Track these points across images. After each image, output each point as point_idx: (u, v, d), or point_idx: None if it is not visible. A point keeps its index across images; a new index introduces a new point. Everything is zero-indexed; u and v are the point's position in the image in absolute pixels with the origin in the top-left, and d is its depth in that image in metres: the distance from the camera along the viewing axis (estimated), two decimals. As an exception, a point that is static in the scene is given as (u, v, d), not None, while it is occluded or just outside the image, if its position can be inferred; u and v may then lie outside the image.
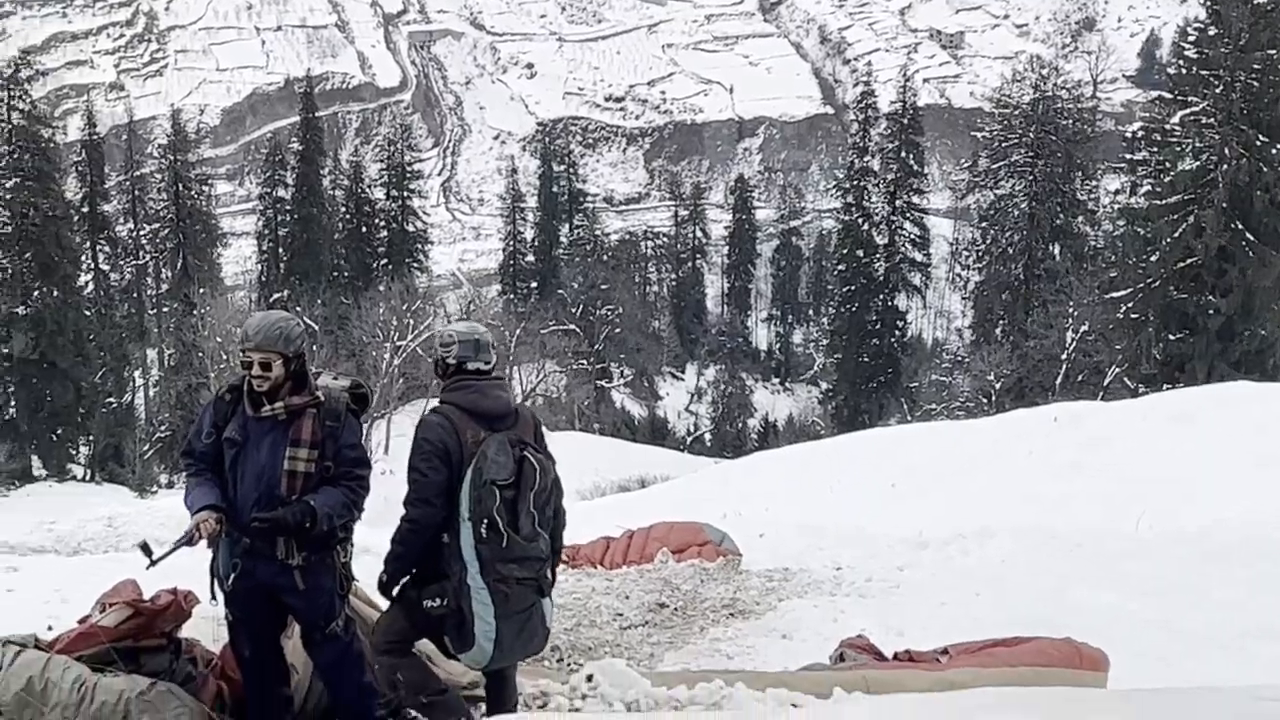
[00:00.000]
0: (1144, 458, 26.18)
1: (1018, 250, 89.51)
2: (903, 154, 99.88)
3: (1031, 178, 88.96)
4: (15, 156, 79.01)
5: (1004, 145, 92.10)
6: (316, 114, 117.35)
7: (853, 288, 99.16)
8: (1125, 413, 31.20)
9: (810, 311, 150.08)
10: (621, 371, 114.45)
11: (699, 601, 17.26)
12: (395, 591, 9.38)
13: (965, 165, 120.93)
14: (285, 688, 9.23)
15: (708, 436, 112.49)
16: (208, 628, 9.55)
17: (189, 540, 8.69)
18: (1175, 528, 20.19)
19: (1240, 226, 58.64)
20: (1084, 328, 69.27)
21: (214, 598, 9.01)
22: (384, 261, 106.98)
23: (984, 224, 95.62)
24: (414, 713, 9.54)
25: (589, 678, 10.34)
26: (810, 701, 9.77)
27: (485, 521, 8.98)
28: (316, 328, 76.10)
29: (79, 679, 8.53)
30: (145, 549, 8.79)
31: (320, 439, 8.79)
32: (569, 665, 13.18)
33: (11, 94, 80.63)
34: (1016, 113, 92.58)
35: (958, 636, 12.45)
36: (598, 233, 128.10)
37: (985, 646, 11.81)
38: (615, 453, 74.17)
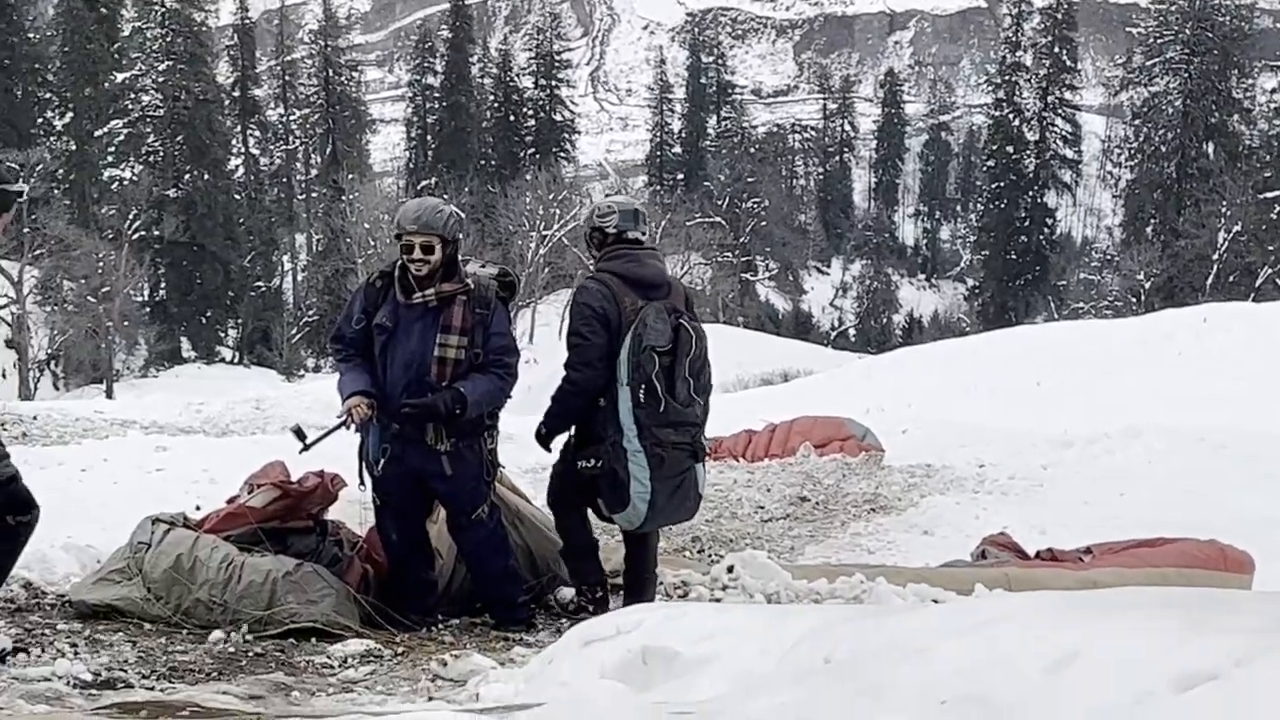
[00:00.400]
0: (1296, 360, 25.86)
1: (1171, 148, 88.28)
2: (1056, 49, 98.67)
3: (1186, 75, 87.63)
4: (168, 40, 79.77)
5: (1159, 41, 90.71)
6: (467, 1, 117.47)
7: (1002, 184, 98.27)
8: (1276, 315, 30.79)
9: (958, 208, 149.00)
10: (767, 265, 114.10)
11: (840, 496, 17.24)
12: (555, 449, 9.48)
13: (1119, 61, 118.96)
14: (430, 571, 9.30)
15: (852, 332, 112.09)
16: (354, 511, 9.61)
17: (342, 425, 8.80)
18: (1326, 432, 19.95)
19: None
20: (1236, 228, 68.42)
21: (362, 482, 9.10)
22: (531, 150, 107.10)
23: (1137, 121, 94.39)
24: (562, 595, 9.66)
25: (730, 569, 10.35)
26: (951, 598, 9.74)
27: (644, 386, 9.08)
28: (464, 216, 76.50)
29: (227, 558, 8.63)
30: (299, 433, 8.90)
31: (470, 326, 8.81)
32: (710, 556, 13.18)
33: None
34: (1173, 8, 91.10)
35: (1101, 536, 12.34)
36: (745, 125, 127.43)
37: (1129, 547, 11.70)
38: (759, 346, 74.04)
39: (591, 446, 9.19)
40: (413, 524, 9.16)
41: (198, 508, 10.77)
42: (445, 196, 73.50)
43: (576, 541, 9.54)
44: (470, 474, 8.95)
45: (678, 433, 9.24)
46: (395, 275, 8.91)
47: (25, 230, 66.82)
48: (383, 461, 8.86)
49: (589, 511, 9.60)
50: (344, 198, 79.96)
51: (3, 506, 7.20)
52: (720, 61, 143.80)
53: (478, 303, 8.84)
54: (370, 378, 8.87)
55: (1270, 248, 64.40)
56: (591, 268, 9.53)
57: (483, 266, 9.26)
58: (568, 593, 9.70)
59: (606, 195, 57.17)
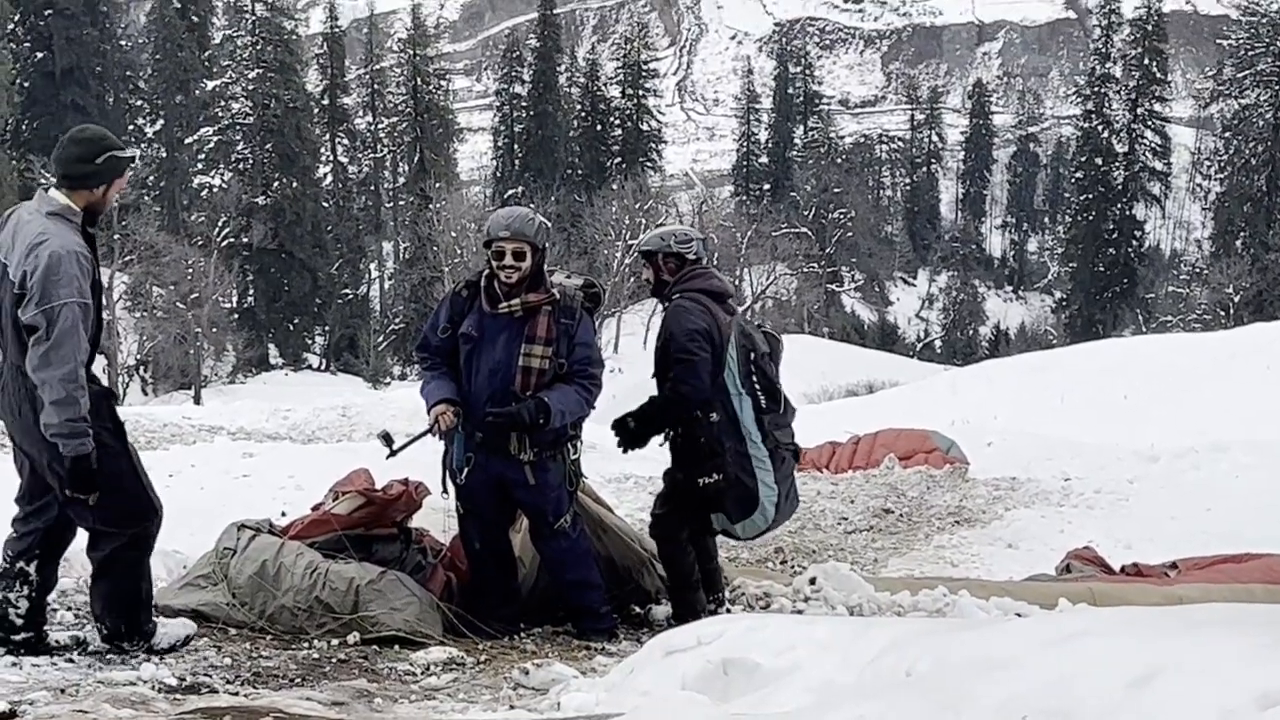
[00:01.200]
0: (1386, 376, 25.66)
1: (1261, 161, 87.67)
2: (1145, 61, 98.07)
3: (1278, 87, 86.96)
4: (258, 48, 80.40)
5: (1250, 54, 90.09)
6: (554, 11, 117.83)
7: (1090, 196, 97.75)
8: (1368, 329, 30.58)
9: (1046, 219, 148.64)
10: (853, 275, 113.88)
11: (924, 508, 17.24)
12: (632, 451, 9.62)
13: (1209, 74, 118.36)
14: (512, 580, 9.34)
15: (938, 343, 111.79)
16: (437, 519, 9.66)
17: (428, 432, 8.86)
18: None
19: None
20: (1329, 241, 67.89)
21: (445, 490, 9.14)
22: (618, 160, 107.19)
23: (1227, 134, 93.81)
24: (656, 614, 9.72)
25: (812, 580, 10.35)
26: (1035, 612, 9.72)
27: (764, 392, 9.40)
28: (550, 226, 76.68)
29: (311, 564, 8.69)
30: (386, 439, 8.98)
31: (555, 336, 8.85)
32: (793, 568, 13.20)
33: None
34: (1264, 20, 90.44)
35: (1187, 551, 12.30)
36: (832, 135, 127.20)
37: (1214, 562, 11.66)
38: (844, 357, 73.93)
39: (710, 461, 9.34)
40: (496, 533, 9.21)
41: (283, 514, 10.87)
42: (533, 205, 73.87)
43: (689, 575, 9.60)
44: (553, 483, 8.99)
45: (785, 434, 9.56)
46: (481, 285, 8.96)
47: (115, 236, 67.45)
48: (466, 470, 8.91)
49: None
50: (431, 206, 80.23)
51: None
52: (807, 71, 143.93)
53: (563, 313, 8.89)
54: (455, 386, 8.93)
55: (1362, 262, 64.00)
56: (658, 286, 9.78)
57: (568, 277, 9.31)
58: (661, 611, 9.74)
59: (682, 222, 57.83)
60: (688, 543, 9.58)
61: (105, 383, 7.76)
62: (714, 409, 9.25)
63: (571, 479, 9.10)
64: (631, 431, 9.49)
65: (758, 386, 9.33)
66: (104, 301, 7.81)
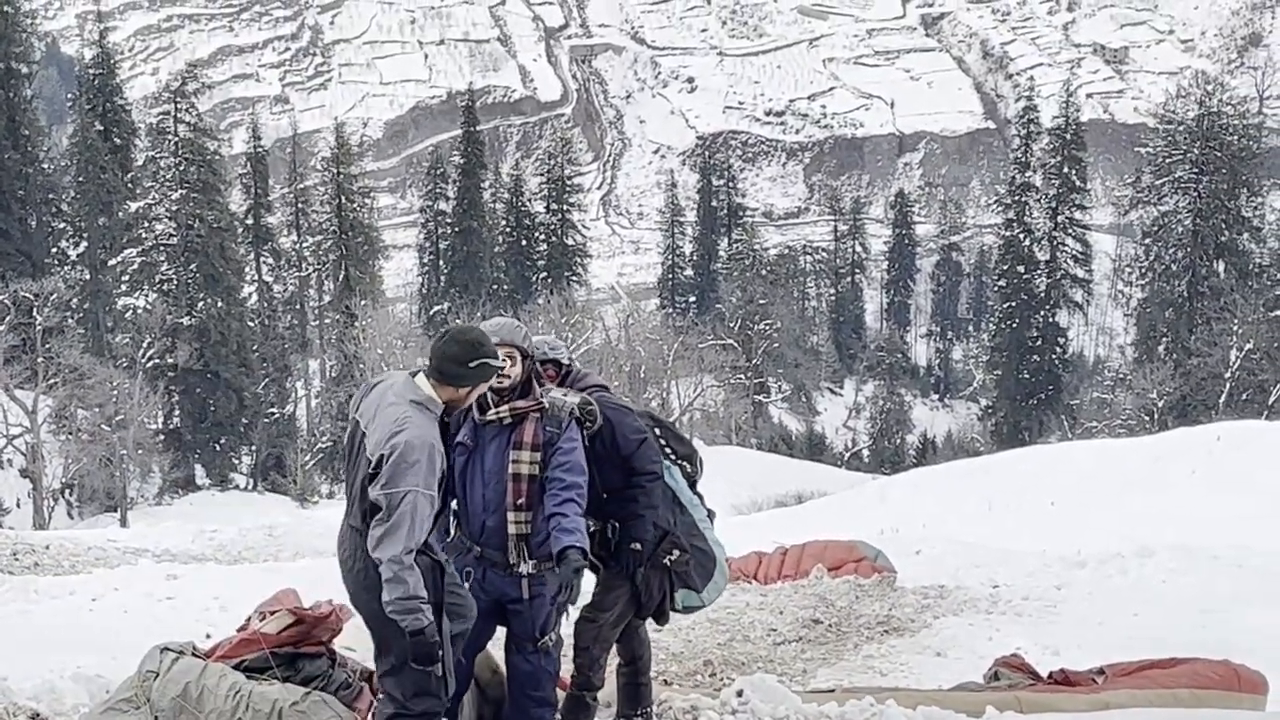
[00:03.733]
0: (1309, 478, 25.86)
1: (1181, 267, 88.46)
2: (1065, 169, 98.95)
3: (1196, 194, 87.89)
4: (182, 169, 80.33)
5: (1168, 161, 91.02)
6: (478, 127, 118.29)
7: (1013, 304, 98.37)
8: (1290, 432, 30.81)
9: (970, 327, 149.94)
10: (779, 386, 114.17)
11: (853, 618, 17.23)
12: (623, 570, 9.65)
13: (1128, 181, 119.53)
14: (455, 703, 9.25)
15: (865, 452, 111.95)
16: (363, 637, 9.63)
17: None
18: (1340, 550, 19.93)
19: None
20: (1248, 346, 68.49)
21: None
22: (543, 275, 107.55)
23: (1147, 240, 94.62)
24: None
25: (739, 693, 10.35)
26: (962, 721, 9.73)
27: (686, 459, 9.79)
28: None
29: (234, 687, 8.64)
30: None
31: (542, 443, 8.85)
32: (721, 680, 13.18)
33: (179, 107, 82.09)
34: (1181, 128, 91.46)
35: (1114, 657, 12.33)
36: (756, 247, 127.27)
37: (1142, 668, 11.68)
38: (772, 468, 73.91)
39: (666, 541, 9.53)
40: (473, 650, 9.17)
41: (208, 636, 10.81)
42: (458, 321, 73.94)
43: (599, 685, 9.63)
44: (547, 598, 9.00)
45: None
46: None
47: (40, 360, 67.10)
48: (468, 585, 8.89)
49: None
50: (357, 324, 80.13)
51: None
52: (731, 184, 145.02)
53: (550, 421, 8.90)
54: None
55: (1283, 365, 64.51)
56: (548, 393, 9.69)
57: (565, 394, 9.35)
58: None
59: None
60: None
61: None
62: None
63: (564, 591, 9.04)
64: (649, 553, 9.54)
65: (675, 455, 9.44)
66: (447, 476, 8.54)
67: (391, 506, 7.88)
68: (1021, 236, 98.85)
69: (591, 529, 9.53)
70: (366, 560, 8.05)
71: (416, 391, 8.30)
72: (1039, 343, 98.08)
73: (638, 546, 9.43)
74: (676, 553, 9.44)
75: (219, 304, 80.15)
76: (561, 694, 9.55)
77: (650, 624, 10.04)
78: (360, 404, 8.55)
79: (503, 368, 8.65)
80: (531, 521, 8.83)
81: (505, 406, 8.85)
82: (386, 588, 7.88)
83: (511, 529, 8.83)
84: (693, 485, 9.83)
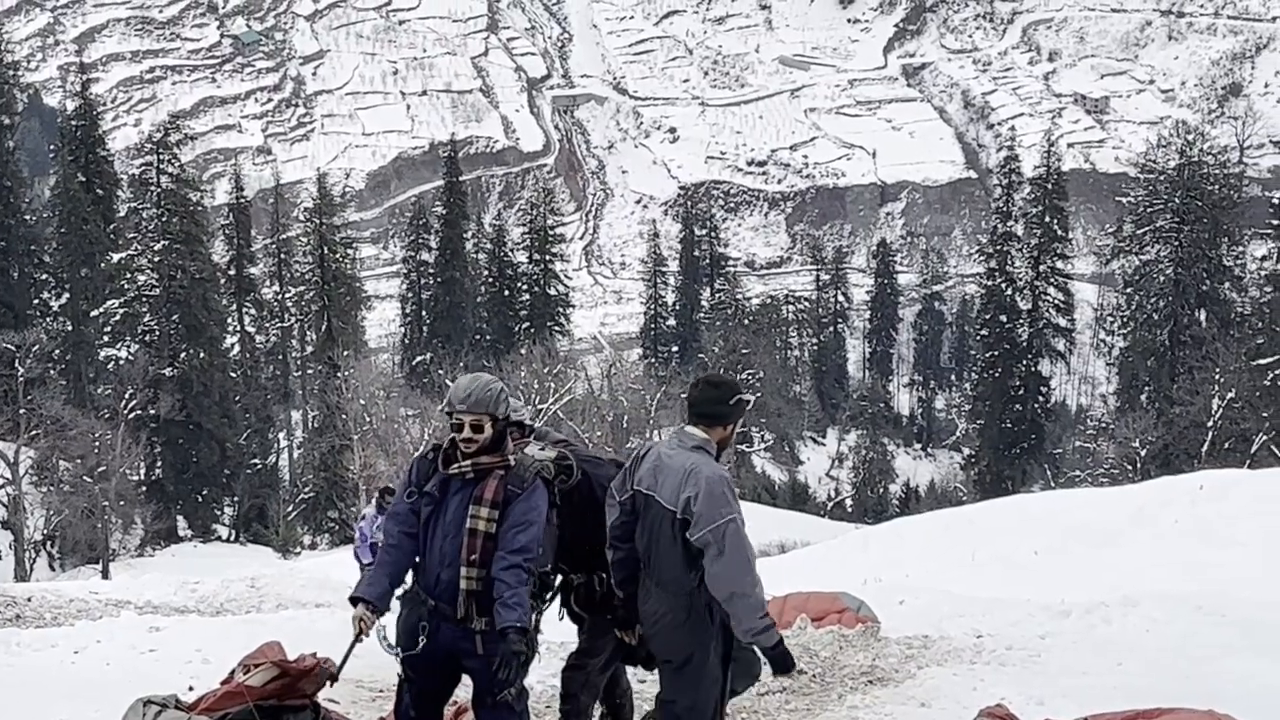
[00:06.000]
0: (1292, 527, 25.88)
1: (1163, 316, 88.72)
2: (1047, 219, 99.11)
3: (1177, 243, 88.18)
4: (164, 220, 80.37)
5: (1149, 210, 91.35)
6: (460, 178, 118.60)
7: (996, 353, 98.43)
8: (1272, 482, 30.83)
9: (952, 377, 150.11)
10: (762, 436, 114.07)
11: (837, 668, 17.19)
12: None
13: (1110, 230, 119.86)
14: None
15: (849, 502, 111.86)
16: (347, 690, 9.61)
17: (356, 640, 8.81)
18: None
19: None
20: (1230, 395, 68.50)
21: (393, 653, 9.04)
22: (526, 325, 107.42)
23: (1129, 289, 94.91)
24: None
25: (725, 744, 10.32)
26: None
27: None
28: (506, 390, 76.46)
29: (216, 739, 8.62)
30: (330, 676, 9.05)
31: (501, 500, 8.81)
32: (705, 732, 13.13)
33: (161, 158, 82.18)
34: (1162, 178, 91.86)
35: (1099, 707, 12.32)
36: (739, 297, 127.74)
37: (1127, 718, 11.68)
38: (756, 517, 73.46)
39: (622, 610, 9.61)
40: (431, 706, 9.13)
41: (191, 688, 10.77)
42: (441, 371, 73.93)
43: None
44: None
45: None
46: (444, 447, 8.96)
47: (21, 411, 66.97)
48: (422, 640, 8.85)
49: None
50: (339, 374, 79.97)
51: None
52: (713, 234, 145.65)
53: (513, 480, 8.86)
54: (388, 578, 8.90)
55: (1264, 414, 64.46)
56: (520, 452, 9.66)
57: (542, 449, 9.37)
58: None
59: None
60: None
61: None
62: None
63: (504, 669, 8.99)
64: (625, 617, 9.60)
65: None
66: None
67: (720, 539, 8.62)
68: (1003, 286, 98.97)
69: (577, 582, 9.55)
70: (692, 604, 8.80)
71: (690, 439, 9.20)
72: (1021, 392, 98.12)
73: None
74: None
75: (201, 355, 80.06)
76: None
77: (632, 673, 10.04)
78: (634, 476, 9.26)
79: (750, 402, 9.40)
80: (484, 579, 8.79)
81: (469, 461, 8.83)
82: (744, 617, 8.67)
83: (463, 584, 8.78)
84: None
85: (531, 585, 8.97)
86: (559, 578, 9.93)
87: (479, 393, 8.88)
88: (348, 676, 9.49)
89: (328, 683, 9.12)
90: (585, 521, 9.53)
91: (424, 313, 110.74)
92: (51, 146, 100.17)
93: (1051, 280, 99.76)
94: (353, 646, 8.79)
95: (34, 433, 68.41)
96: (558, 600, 10.00)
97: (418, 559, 8.99)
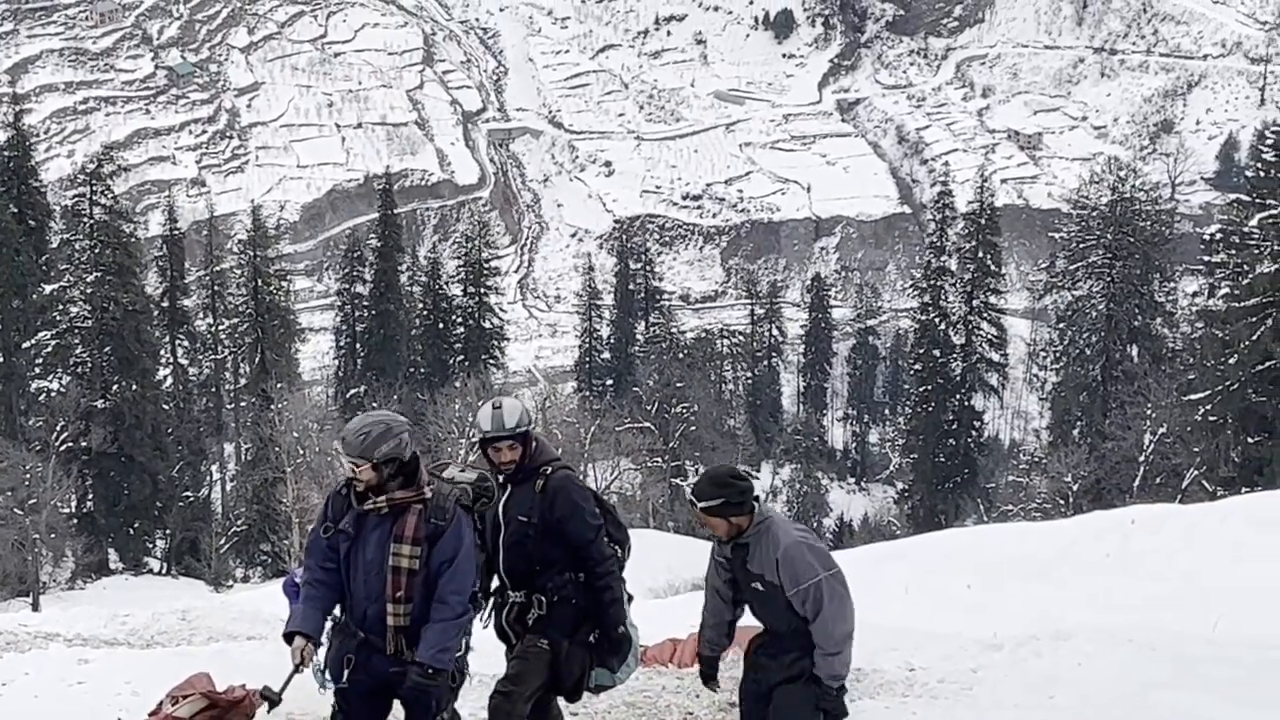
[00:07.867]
0: (1222, 562, 25.97)
1: (1095, 351, 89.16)
2: (980, 254, 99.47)
3: (1109, 279, 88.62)
4: (97, 251, 79.93)
5: (1082, 246, 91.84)
6: (395, 211, 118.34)
7: (929, 387, 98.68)
8: (1203, 516, 30.95)
9: (886, 411, 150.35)
10: (696, 469, 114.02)
11: (770, 702, 17.16)
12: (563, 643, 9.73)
13: (1042, 266, 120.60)
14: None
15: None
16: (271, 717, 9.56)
17: (295, 670, 8.76)
18: (1254, 633, 20.02)
19: (1320, 329, 58.17)
20: (1162, 430, 68.78)
21: (322, 688, 9.02)
22: (460, 358, 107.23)
23: (1061, 325, 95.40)
24: None
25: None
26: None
27: (620, 545, 9.97)
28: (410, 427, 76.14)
29: (147, 771, 8.57)
30: (267, 695, 8.91)
31: (423, 536, 8.74)
32: (638, 764, 13.12)
33: (94, 189, 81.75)
34: (1094, 214, 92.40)
35: (1031, 740, 12.38)
36: (673, 330, 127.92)
37: (1058, 750, 11.74)
38: (689, 550, 73.51)
39: (589, 620, 9.85)
40: None
41: (119, 720, 10.67)
42: (374, 404, 73.73)
43: None
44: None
45: None
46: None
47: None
48: (348, 672, 8.81)
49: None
50: (273, 407, 79.62)
51: None
52: (648, 268, 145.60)
53: (434, 513, 8.80)
54: (320, 609, 8.85)
55: (1196, 449, 64.61)
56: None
57: (462, 471, 9.30)
58: None
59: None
60: None
61: None
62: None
63: (454, 677, 8.99)
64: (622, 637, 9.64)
65: (610, 539, 9.53)
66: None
67: (820, 598, 10.20)
68: (937, 320, 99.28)
69: (514, 599, 9.53)
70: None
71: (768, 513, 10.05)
72: (955, 426, 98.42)
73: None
74: (598, 632, 9.44)
75: (134, 387, 79.69)
76: None
77: (562, 702, 10.02)
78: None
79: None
80: (411, 614, 8.75)
81: (383, 497, 8.76)
82: (835, 663, 10.50)
83: (390, 620, 8.76)
84: (621, 568, 9.83)
85: (467, 620, 8.96)
86: (490, 601, 9.88)
87: (353, 436, 8.83)
88: (279, 710, 9.43)
89: (264, 708, 9.06)
90: (543, 541, 9.52)
91: (358, 345, 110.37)
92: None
93: (985, 315, 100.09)
94: (291, 676, 8.76)
95: (-37, 466, 67.94)
96: (492, 618, 9.94)
97: (344, 592, 8.95)
